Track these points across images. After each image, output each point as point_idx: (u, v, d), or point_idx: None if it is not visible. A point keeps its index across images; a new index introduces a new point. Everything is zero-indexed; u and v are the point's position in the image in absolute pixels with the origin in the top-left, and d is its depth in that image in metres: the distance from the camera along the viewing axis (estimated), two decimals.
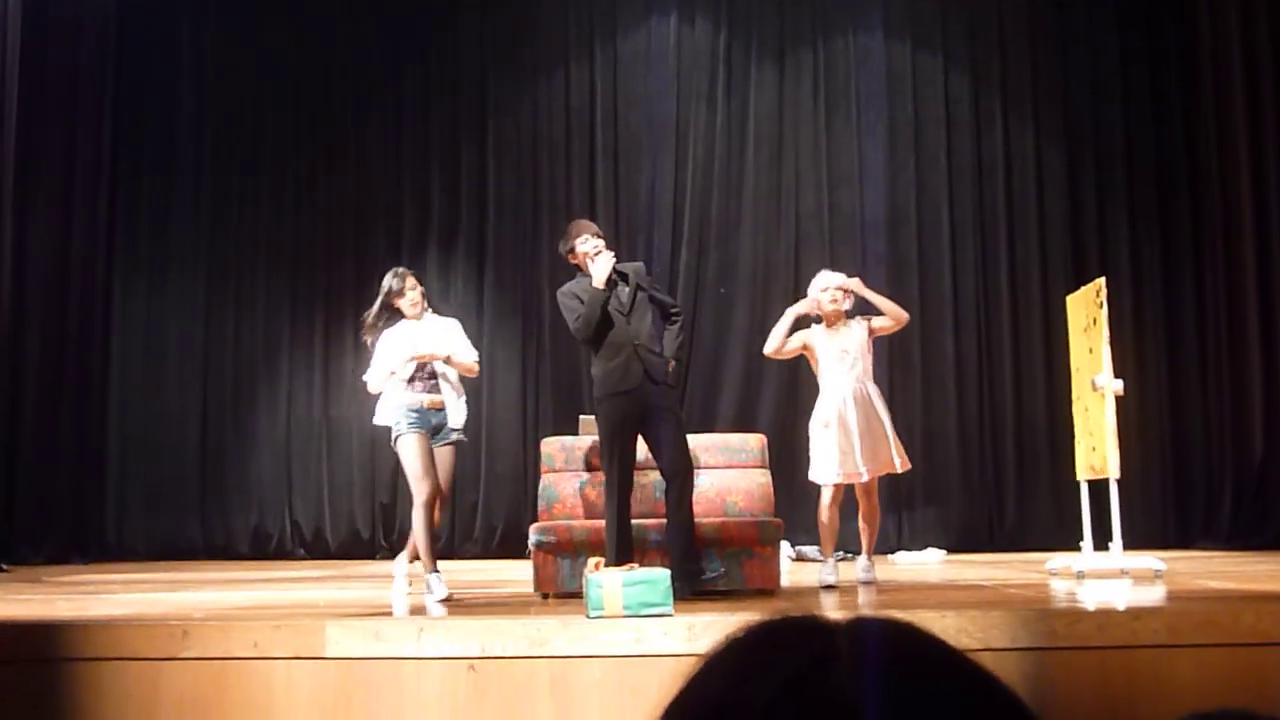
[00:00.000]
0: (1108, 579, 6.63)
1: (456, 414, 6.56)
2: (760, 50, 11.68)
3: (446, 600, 6.00)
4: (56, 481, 11.01)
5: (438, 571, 6.25)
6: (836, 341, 6.89)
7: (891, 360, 11.03)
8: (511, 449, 11.39)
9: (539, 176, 11.82)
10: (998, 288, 11.23)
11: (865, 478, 6.72)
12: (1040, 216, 11.27)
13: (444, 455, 6.52)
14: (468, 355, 6.65)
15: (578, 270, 6.33)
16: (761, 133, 11.58)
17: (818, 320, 7.01)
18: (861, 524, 7.04)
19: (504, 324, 11.55)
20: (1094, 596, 5.53)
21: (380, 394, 6.65)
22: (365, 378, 6.67)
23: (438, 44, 12.04)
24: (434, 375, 6.52)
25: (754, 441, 6.96)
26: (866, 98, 11.51)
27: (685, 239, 11.42)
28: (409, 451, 6.41)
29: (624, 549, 5.92)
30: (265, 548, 11.53)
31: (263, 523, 11.65)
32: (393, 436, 6.50)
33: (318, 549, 11.47)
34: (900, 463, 6.79)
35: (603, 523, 6.21)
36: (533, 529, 6.39)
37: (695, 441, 6.59)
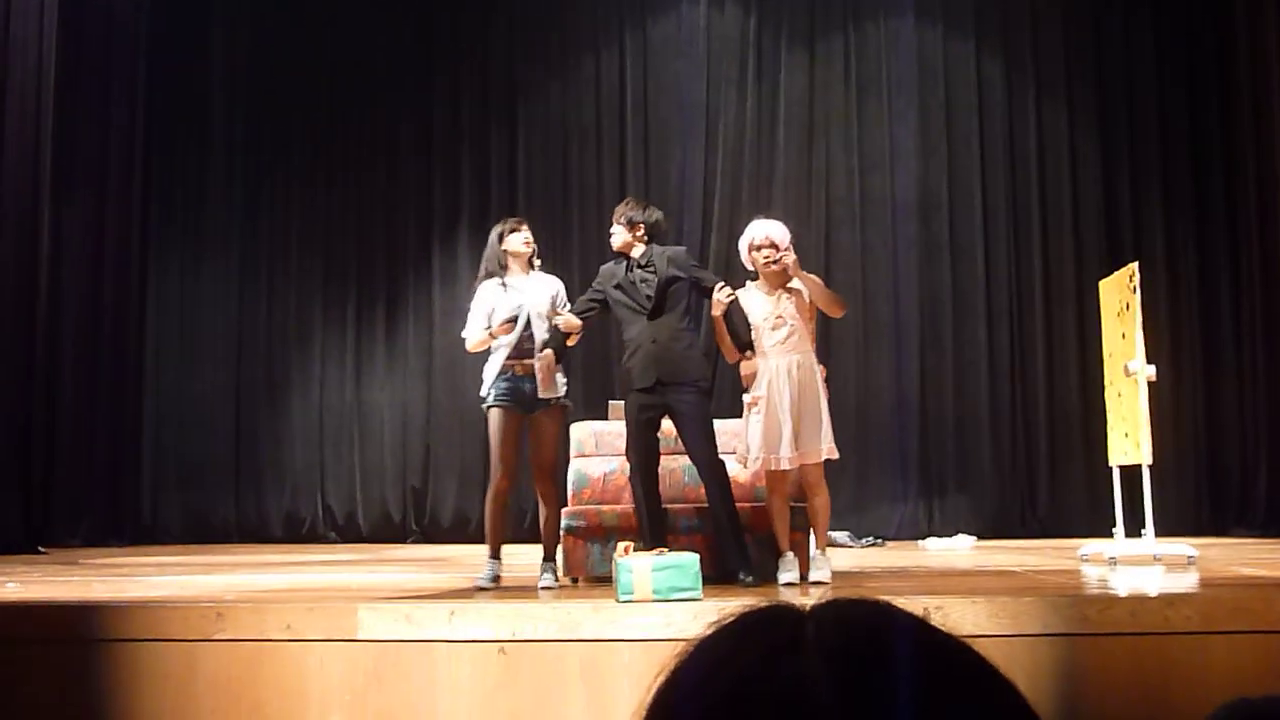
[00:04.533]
0: (1141, 565, 6.59)
1: (545, 384, 6.06)
2: (790, 35, 11.64)
3: (487, 588, 5.85)
4: (93, 464, 11.11)
5: (497, 557, 6.09)
6: (770, 306, 6.10)
7: (923, 345, 11.12)
8: None
9: (569, 162, 11.84)
10: (1030, 273, 11.16)
11: (786, 466, 5.95)
12: (1074, 201, 11.20)
13: (542, 426, 6.12)
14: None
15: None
16: (792, 118, 11.54)
17: (753, 277, 6.28)
18: (808, 513, 6.17)
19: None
20: (1127, 583, 5.50)
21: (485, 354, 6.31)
22: (464, 334, 6.29)
23: (468, 30, 12.06)
24: (532, 338, 6.13)
25: None
26: (898, 82, 11.45)
27: (715, 224, 11.39)
28: (491, 428, 6.14)
29: (657, 532, 5.92)
30: (298, 531, 11.61)
31: (295, 506, 11.74)
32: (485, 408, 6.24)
33: (350, 532, 11.54)
34: (826, 450, 5.96)
35: (632, 507, 6.23)
36: (563, 513, 6.40)
37: (725, 427, 6.58)
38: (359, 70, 12.17)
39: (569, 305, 6.35)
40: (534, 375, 6.08)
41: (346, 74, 12.19)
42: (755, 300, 6.17)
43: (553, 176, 11.82)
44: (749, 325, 6.11)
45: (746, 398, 6.18)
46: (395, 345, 11.63)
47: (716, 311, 6.01)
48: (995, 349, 11.12)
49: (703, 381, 6.13)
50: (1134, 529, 7.06)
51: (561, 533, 6.27)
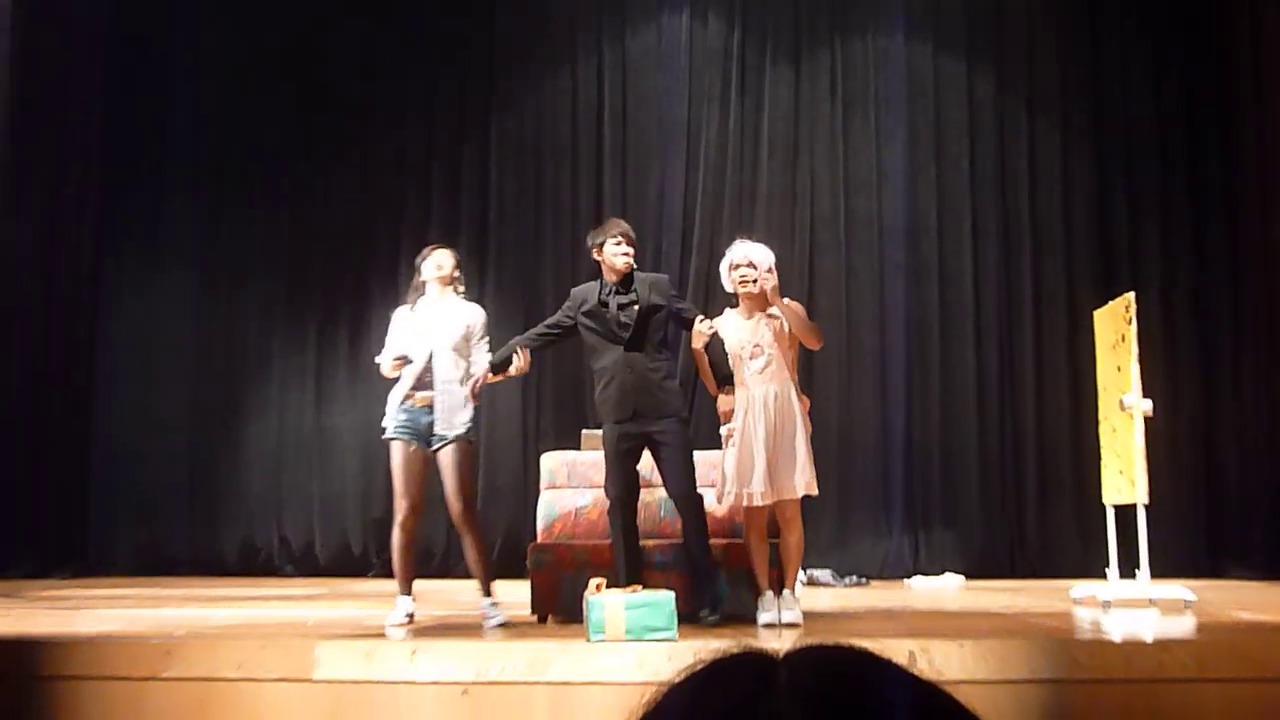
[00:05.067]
0: (1134, 608, 6.62)
1: (444, 418, 6.21)
2: (775, 50, 11.69)
3: (403, 624, 5.93)
4: (38, 492, 11.02)
5: (408, 594, 6.18)
6: (748, 333, 6.13)
7: (909, 373, 11.13)
8: (511, 462, 11.38)
9: (543, 178, 11.85)
10: (1022, 300, 11.19)
11: (759, 502, 5.95)
12: (1067, 226, 11.24)
13: (444, 460, 6.21)
14: (481, 357, 6.38)
15: (598, 269, 6.33)
16: (776, 135, 11.59)
17: (733, 303, 6.35)
18: (780, 551, 6.17)
19: (505, 330, 11.26)
20: (1120, 626, 5.52)
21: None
22: (377, 359, 6.44)
23: (441, 40, 12.07)
24: (432, 370, 6.27)
25: None
26: (886, 100, 11.51)
27: (695, 244, 11.41)
28: (391, 461, 6.27)
29: (633, 568, 5.96)
30: (253, 563, 11.54)
31: (251, 537, 11.67)
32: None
33: (307, 565, 11.48)
34: (804, 486, 5.96)
35: (606, 542, 6.27)
36: (531, 548, 6.39)
37: (703, 458, 6.60)
38: (327, 82, 12.18)
39: (486, 339, 6.43)
40: (433, 408, 6.20)
41: (313, 86, 12.19)
42: (732, 327, 6.20)
43: (525, 193, 11.83)
44: (727, 359, 6.15)
45: (724, 430, 6.22)
46: (358, 367, 11.44)
47: (697, 344, 6.12)
48: (984, 379, 11.14)
49: (682, 413, 6.18)
50: (1128, 570, 7.07)
51: (530, 567, 6.28)
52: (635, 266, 6.34)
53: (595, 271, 6.46)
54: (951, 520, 10.91)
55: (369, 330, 11.40)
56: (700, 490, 6.13)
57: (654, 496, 6.39)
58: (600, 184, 11.74)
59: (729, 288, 6.26)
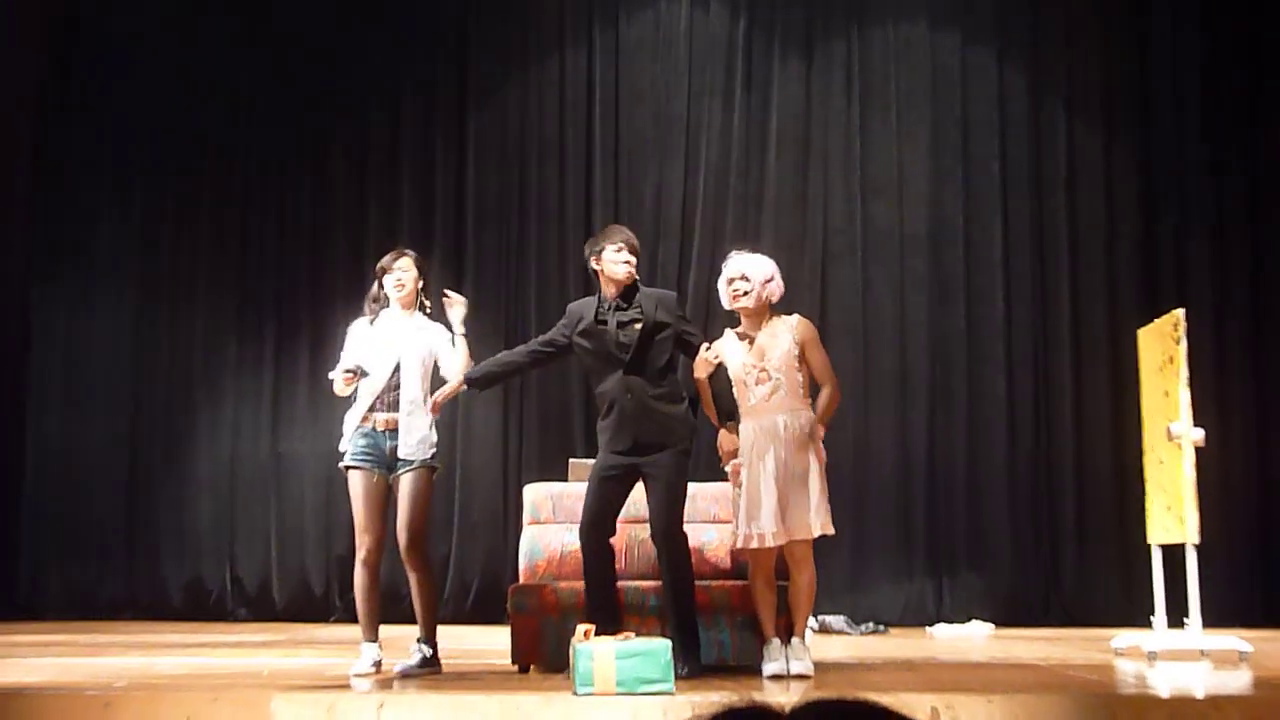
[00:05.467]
0: (1183, 661, 6.60)
1: (408, 441, 6.26)
2: (785, 40, 11.69)
3: (368, 674, 5.96)
4: None
5: (373, 640, 6.21)
6: (751, 356, 6.15)
7: (933, 399, 11.14)
8: (489, 495, 11.35)
9: (526, 181, 11.84)
10: (1058, 318, 11.18)
11: (770, 542, 5.95)
12: (1109, 236, 11.24)
13: (404, 488, 6.27)
14: (455, 362, 6.40)
15: (596, 282, 6.32)
16: (785, 135, 11.58)
17: (735, 323, 6.39)
18: (789, 595, 6.15)
19: (484, 349, 11.26)
20: (1167, 681, 5.51)
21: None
22: (330, 375, 6.45)
23: (411, 27, 12.08)
24: (397, 387, 6.32)
25: None
26: (907, 96, 11.53)
27: (695, 256, 11.42)
28: (351, 492, 6.31)
29: (604, 608, 5.94)
30: (202, 606, 11.49)
31: (199, 577, 11.63)
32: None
33: (263, 608, 11.45)
34: (819, 525, 5.96)
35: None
36: (512, 590, 6.38)
37: (703, 491, 6.58)
38: (282, 75, 12.20)
39: (463, 346, 6.43)
40: (395, 430, 6.24)
41: (267, 80, 12.23)
42: (734, 349, 6.21)
43: (507, 197, 11.82)
44: (732, 393, 6.14)
45: (729, 466, 6.18)
46: (320, 387, 11.09)
47: (700, 374, 6.11)
48: (1017, 405, 11.10)
49: (685, 444, 6.13)
50: (1176, 618, 7.06)
51: (510, 612, 6.26)
52: (638, 279, 6.32)
53: (590, 285, 6.45)
54: (979, 562, 10.88)
55: (331, 346, 11.14)
56: (712, 528, 6.13)
57: (649, 533, 6.37)
58: (590, 187, 11.74)
59: (726, 304, 6.28)
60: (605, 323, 6.15)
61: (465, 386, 6.39)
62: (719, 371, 6.12)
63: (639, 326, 6.10)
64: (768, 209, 11.52)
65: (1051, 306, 11.22)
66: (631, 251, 6.25)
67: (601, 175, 11.73)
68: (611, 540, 6.10)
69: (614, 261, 6.20)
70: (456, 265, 11.66)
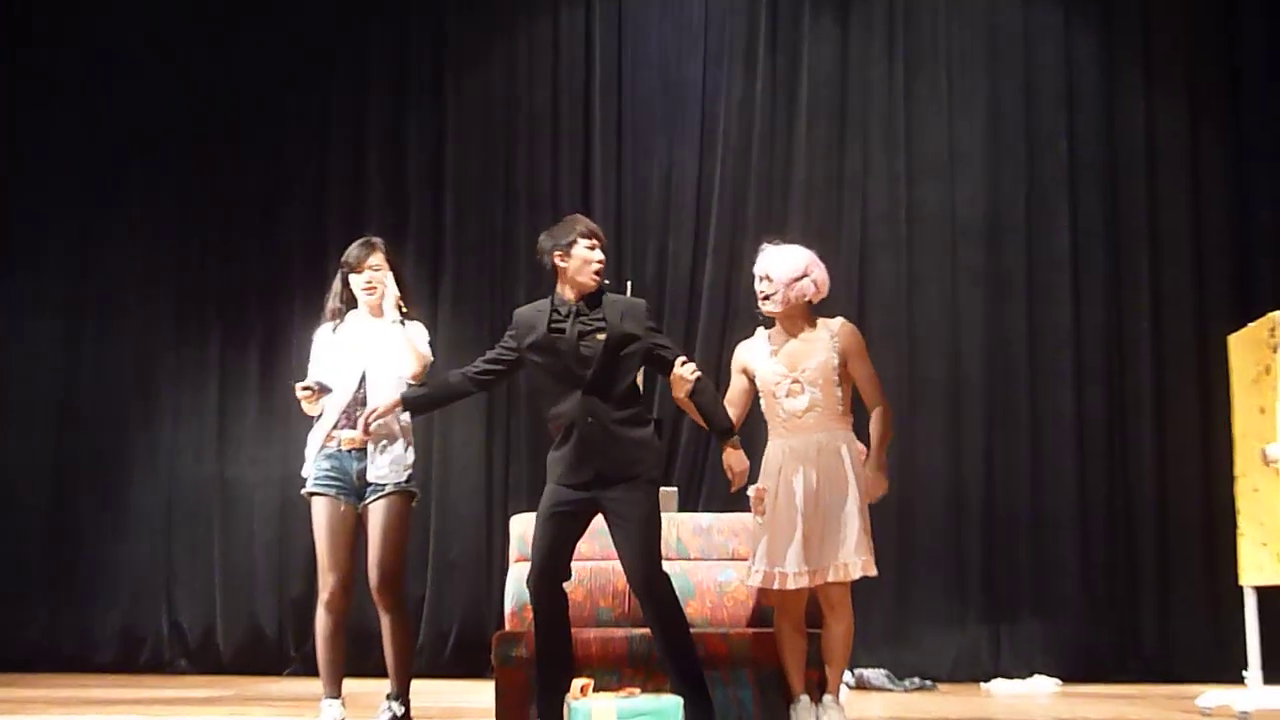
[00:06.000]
0: None
1: (381, 463, 6.32)
2: None
3: None
4: None
5: (336, 697, 6.26)
6: (783, 364, 6.18)
7: (990, 416, 11.12)
8: (470, 528, 11.35)
9: (514, 160, 11.84)
10: (1135, 321, 11.15)
11: (795, 584, 5.96)
12: (1195, 226, 11.21)
13: (374, 516, 6.31)
14: (413, 361, 6.40)
15: (554, 280, 6.22)
16: (817, 106, 11.55)
17: (768, 324, 6.39)
18: (822, 644, 6.15)
19: (463, 356, 11.15)
20: None
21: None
22: (298, 391, 6.43)
23: None
24: (365, 401, 6.34)
25: None
26: (960, 60, 11.53)
27: (711, 248, 11.40)
28: (314, 522, 6.33)
29: (550, 673, 5.87)
30: (135, 657, 11.49)
31: (133, 623, 11.62)
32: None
33: (207, 659, 11.44)
34: (859, 566, 5.97)
35: (594, 633, 6.28)
36: (497, 638, 6.39)
37: (719, 523, 6.58)
38: (232, 43, 12.18)
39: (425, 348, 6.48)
40: (364, 451, 6.28)
41: (214, 48, 12.20)
42: (762, 354, 6.22)
43: (491, 179, 11.82)
44: (722, 405, 6.11)
45: (750, 491, 6.14)
46: (273, 403, 11.43)
47: (679, 393, 6.03)
48: (1087, 424, 11.06)
49: (652, 473, 6.04)
50: (1273, 672, 7.05)
51: (495, 664, 6.25)
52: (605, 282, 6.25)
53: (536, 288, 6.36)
54: (1044, 607, 10.84)
55: (286, 352, 11.33)
56: (730, 566, 6.09)
57: None
58: (588, 168, 11.73)
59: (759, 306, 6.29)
60: (562, 332, 6.03)
61: (403, 409, 6.32)
62: (702, 391, 6.01)
63: (602, 338, 5.99)
64: (796, 192, 11.49)
65: (1128, 308, 11.17)
66: (602, 248, 6.15)
67: (602, 154, 11.69)
68: (566, 586, 6.02)
69: (588, 261, 6.06)
70: (433, 259, 11.69)
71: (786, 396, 6.09)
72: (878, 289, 11.28)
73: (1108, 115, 11.39)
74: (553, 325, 6.03)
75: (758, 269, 6.25)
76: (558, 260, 6.10)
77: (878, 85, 11.58)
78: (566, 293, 6.09)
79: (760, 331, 6.33)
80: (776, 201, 11.48)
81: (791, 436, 6.07)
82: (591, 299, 6.07)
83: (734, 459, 6.02)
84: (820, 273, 6.28)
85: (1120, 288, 11.21)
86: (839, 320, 6.30)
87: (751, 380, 6.29)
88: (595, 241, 6.09)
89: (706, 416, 6.08)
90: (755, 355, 6.23)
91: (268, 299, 11.83)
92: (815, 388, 6.07)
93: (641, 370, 6.18)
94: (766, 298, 6.16)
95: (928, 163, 11.47)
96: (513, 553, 6.90)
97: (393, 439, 6.37)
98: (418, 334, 6.51)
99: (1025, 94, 11.45)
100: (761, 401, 6.22)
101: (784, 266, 6.19)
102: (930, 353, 11.21)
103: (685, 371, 5.97)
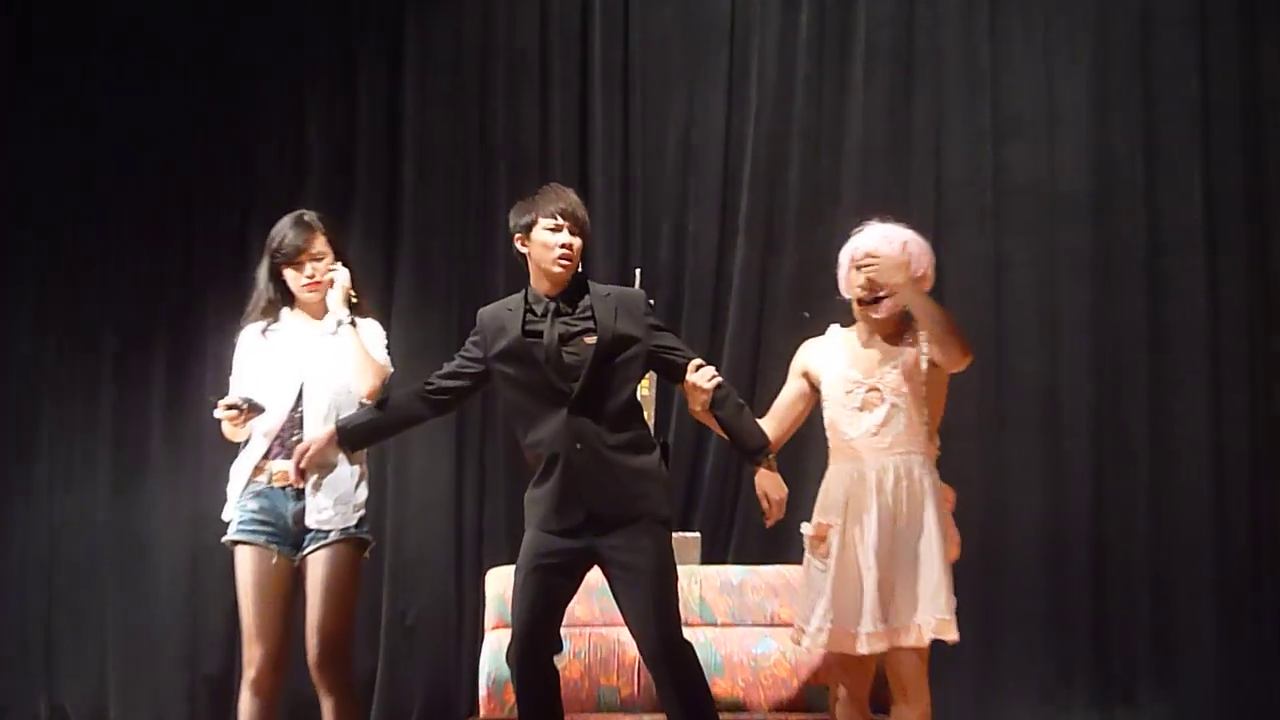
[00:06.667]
0: None
1: (323, 503, 6.41)
2: None
3: None
4: None
5: None
6: (857, 369, 6.38)
7: (1100, 444, 10.94)
8: (434, 585, 11.22)
9: (491, 114, 11.70)
10: None
11: (866, 648, 6.07)
12: None
13: (314, 571, 6.42)
14: (366, 372, 6.50)
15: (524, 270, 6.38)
16: (877, 46, 11.41)
17: (845, 319, 6.63)
18: None
19: (425, 366, 11.11)
20: None
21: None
22: (215, 414, 6.52)
23: None
24: (302, 423, 6.43)
25: None
26: None
27: (743, 225, 11.27)
28: (237, 578, 6.51)
29: None
30: None
31: (4, 708, 11.47)
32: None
33: None
34: (934, 628, 6.10)
35: (593, 718, 6.59)
36: None
37: (753, 578, 6.94)
38: None
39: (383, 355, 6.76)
40: (301, 489, 6.43)
41: None
42: (837, 356, 6.38)
43: (464, 137, 11.69)
44: (752, 418, 6.22)
45: (805, 528, 6.24)
46: (182, 426, 11.45)
47: (696, 406, 6.14)
48: (1226, 449, 10.88)
49: (661, 512, 6.11)
50: None
51: None
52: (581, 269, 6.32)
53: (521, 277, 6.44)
54: (1170, 683, 10.69)
55: (195, 363, 11.40)
56: (768, 634, 6.36)
57: None
58: (586, 124, 11.59)
59: (846, 293, 6.44)
60: (539, 335, 6.08)
61: (340, 444, 6.33)
62: (725, 403, 6.11)
63: (591, 341, 6.06)
64: (851, 156, 11.32)
65: (1278, 301, 11.05)
66: (576, 230, 6.19)
67: (603, 106, 11.55)
68: (557, 660, 6.08)
69: (548, 246, 6.18)
70: (387, 236, 11.58)
71: (860, 410, 6.17)
72: (954, 276, 10.82)
73: (1248, 53, 11.23)
74: (527, 327, 6.12)
75: (860, 247, 6.42)
76: (518, 246, 6.38)
77: (952, 19, 11.44)
78: (541, 286, 6.26)
79: (834, 329, 6.41)
80: (826, 167, 11.32)
81: (864, 459, 6.13)
82: (572, 292, 6.20)
83: (769, 483, 6.12)
84: (930, 261, 6.56)
85: (1268, 275, 11.07)
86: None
87: (814, 387, 6.41)
88: (562, 222, 6.21)
89: (733, 432, 6.17)
90: (826, 356, 6.34)
91: (175, 292, 11.73)
92: (899, 398, 6.17)
93: (652, 381, 6.24)
94: (874, 294, 6.20)
95: (1018, 118, 11.29)
96: (488, 617, 7.25)
97: (341, 472, 6.43)
98: (372, 336, 6.59)
99: (1140, 28, 11.28)
100: (825, 414, 6.30)
101: (910, 248, 6.42)
102: (1021, 357, 11.01)
103: (701, 378, 6.05)
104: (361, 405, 6.49)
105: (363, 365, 6.37)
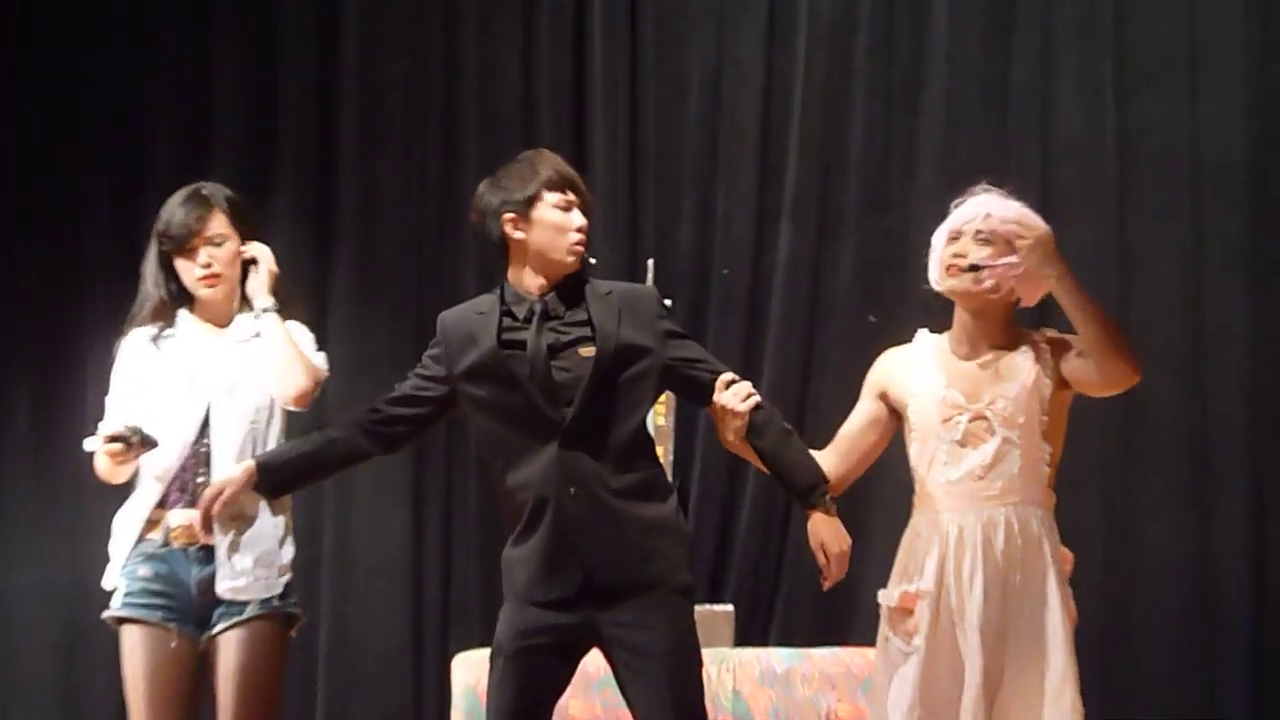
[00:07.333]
0: None
1: (238, 566, 6.38)
2: None
3: None
4: None
5: None
6: (957, 387, 6.10)
7: (1258, 473, 10.71)
8: (384, 674, 11.19)
9: (459, 61, 11.65)
10: None
11: None
12: None
13: (226, 653, 6.38)
14: (295, 373, 6.41)
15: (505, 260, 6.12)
16: None
17: (937, 327, 6.32)
18: None
19: (371, 382, 10.56)
20: None
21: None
22: (86, 445, 6.31)
23: None
24: (209, 461, 6.37)
25: None
26: None
27: (788, 206, 11.11)
28: (124, 665, 6.42)
29: None
30: None
31: None
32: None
33: None
34: (1063, 713, 5.87)
35: None
36: None
37: (801, 666, 6.98)
38: None
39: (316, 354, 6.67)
40: (210, 546, 6.41)
41: None
42: (928, 373, 6.12)
43: (420, 91, 11.63)
44: (803, 448, 6.02)
45: (884, 597, 6.08)
46: (52, 468, 11.42)
47: (729, 435, 5.99)
48: None
49: (678, 578, 5.99)
50: None
51: None
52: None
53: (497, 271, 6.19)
54: None
55: (75, 387, 11.19)
56: None
57: None
58: (583, 73, 11.52)
59: (937, 284, 6.16)
60: (521, 346, 5.92)
61: (260, 489, 6.14)
62: (768, 428, 5.92)
63: (589, 354, 5.89)
64: (929, 113, 11.16)
65: None
66: (584, 208, 6.10)
67: (603, 49, 11.44)
68: None
69: (560, 228, 6.01)
70: (320, 221, 11.49)
71: (963, 443, 5.86)
72: (1071, 262, 10.90)
73: None
74: (505, 336, 5.97)
75: (964, 218, 6.11)
76: (509, 229, 6.04)
77: None
78: (527, 281, 6.05)
79: (923, 335, 6.12)
80: (898, 126, 11.17)
81: (966, 507, 5.92)
82: (568, 291, 6.05)
83: (827, 531, 5.88)
84: None
85: None
86: (1049, 331, 6.24)
87: (895, 412, 6.21)
88: (572, 196, 6.06)
89: (777, 467, 6.01)
90: (915, 372, 6.08)
91: (46, 294, 11.70)
92: (1012, 431, 5.93)
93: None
94: (977, 271, 5.92)
95: (1149, 67, 11.14)
96: (456, 716, 7.17)
97: (266, 529, 6.49)
98: (300, 341, 6.44)
99: None
100: (911, 449, 6.13)
101: (1022, 221, 6.06)
102: (1158, 370, 10.37)
103: (734, 399, 5.85)
104: (288, 412, 6.53)
105: (289, 358, 6.18)
